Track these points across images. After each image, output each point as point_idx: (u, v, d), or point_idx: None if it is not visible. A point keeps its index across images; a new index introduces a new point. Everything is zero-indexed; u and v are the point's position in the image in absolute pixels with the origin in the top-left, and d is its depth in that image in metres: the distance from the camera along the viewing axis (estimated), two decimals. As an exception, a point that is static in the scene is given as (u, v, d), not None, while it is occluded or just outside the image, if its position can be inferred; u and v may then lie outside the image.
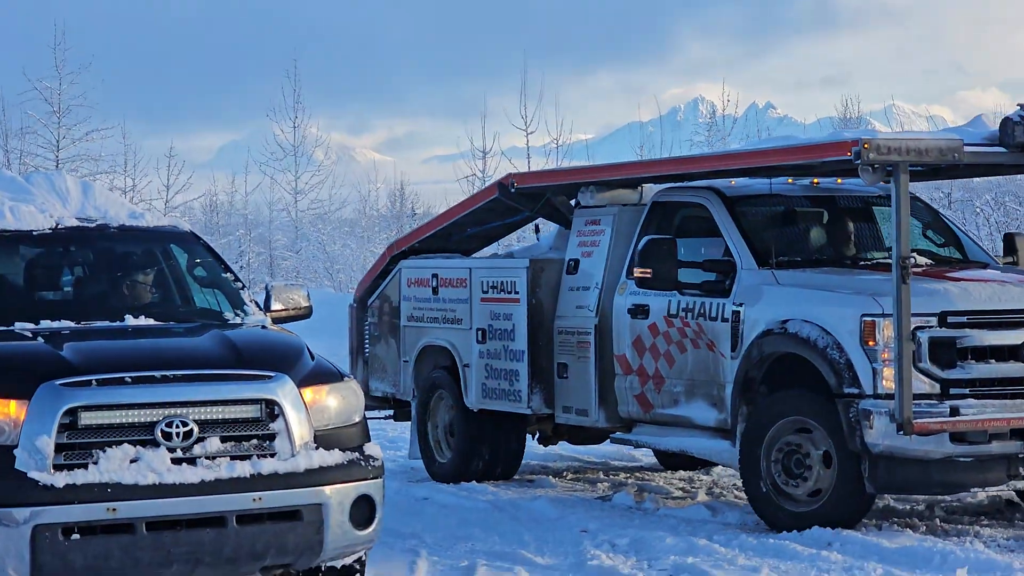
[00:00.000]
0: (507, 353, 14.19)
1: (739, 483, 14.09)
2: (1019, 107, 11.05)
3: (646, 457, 15.88)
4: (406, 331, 15.49)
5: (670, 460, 15.35)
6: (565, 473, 15.28)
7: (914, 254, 12.65)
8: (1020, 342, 11.25)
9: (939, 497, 12.81)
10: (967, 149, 10.97)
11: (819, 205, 13.16)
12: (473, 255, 16.15)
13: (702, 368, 12.43)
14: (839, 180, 13.39)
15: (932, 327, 11.09)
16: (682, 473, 15.24)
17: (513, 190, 14.35)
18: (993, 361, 11.21)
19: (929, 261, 12.65)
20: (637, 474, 15.23)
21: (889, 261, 12.42)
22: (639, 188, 13.86)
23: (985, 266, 12.83)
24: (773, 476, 11.66)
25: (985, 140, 11.19)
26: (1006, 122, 11.08)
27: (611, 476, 15.07)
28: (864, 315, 11.18)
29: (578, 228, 14.01)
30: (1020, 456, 11.11)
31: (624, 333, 13.19)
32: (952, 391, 11.07)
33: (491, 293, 14.43)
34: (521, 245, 18.66)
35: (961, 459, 11.03)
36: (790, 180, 13.17)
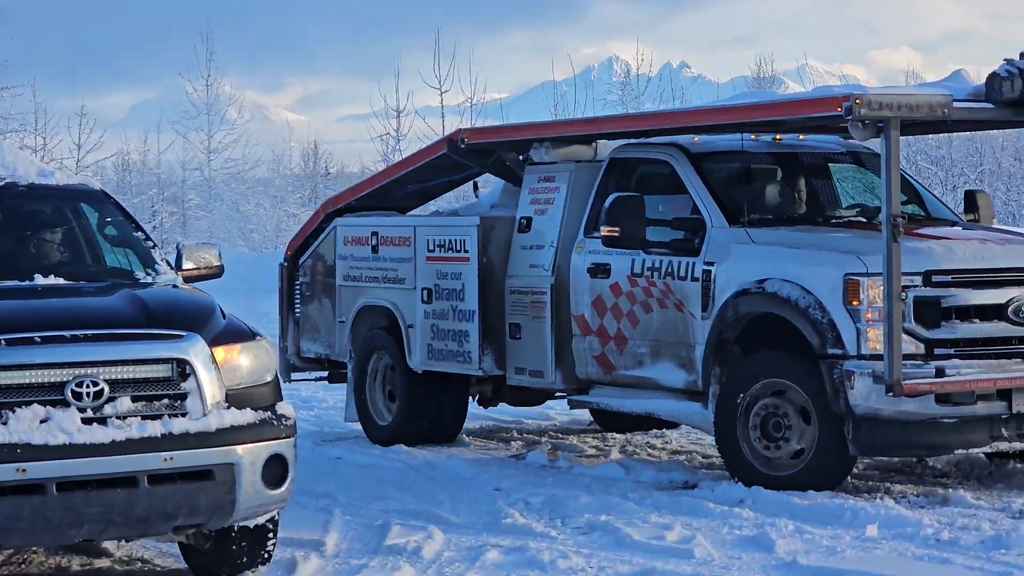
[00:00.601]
0: (456, 313, 13.50)
1: (653, 441, 14.09)
2: (1005, 62, 10.57)
3: (560, 416, 15.48)
4: (342, 291, 14.79)
5: (609, 421, 14.75)
6: (479, 432, 14.84)
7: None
8: (1004, 301, 10.78)
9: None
10: (956, 105, 10.46)
11: (783, 162, 12.62)
12: (408, 213, 15.45)
13: (670, 329, 11.82)
14: (800, 136, 12.85)
15: (917, 286, 10.60)
16: (597, 431, 14.86)
17: (463, 146, 13.65)
18: (977, 321, 10.75)
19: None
20: (551, 433, 14.81)
21: (860, 219, 11.91)
22: (594, 145, 13.22)
23: (953, 224, 12.35)
24: (751, 440, 11.13)
25: (970, 96, 10.70)
26: (993, 77, 10.58)
27: (525, 436, 14.62)
28: (847, 274, 10.66)
29: (530, 185, 13.33)
30: (1003, 417, 10.68)
31: (583, 293, 12.55)
32: (936, 351, 10.62)
33: (438, 252, 13.74)
34: (462, 203, 17.81)
35: (945, 420, 10.57)
36: (753, 137, 12.56)
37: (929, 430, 10.56)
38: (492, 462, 13.02)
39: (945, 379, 10.33)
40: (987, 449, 10.87)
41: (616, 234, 11.74)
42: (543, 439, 14.36)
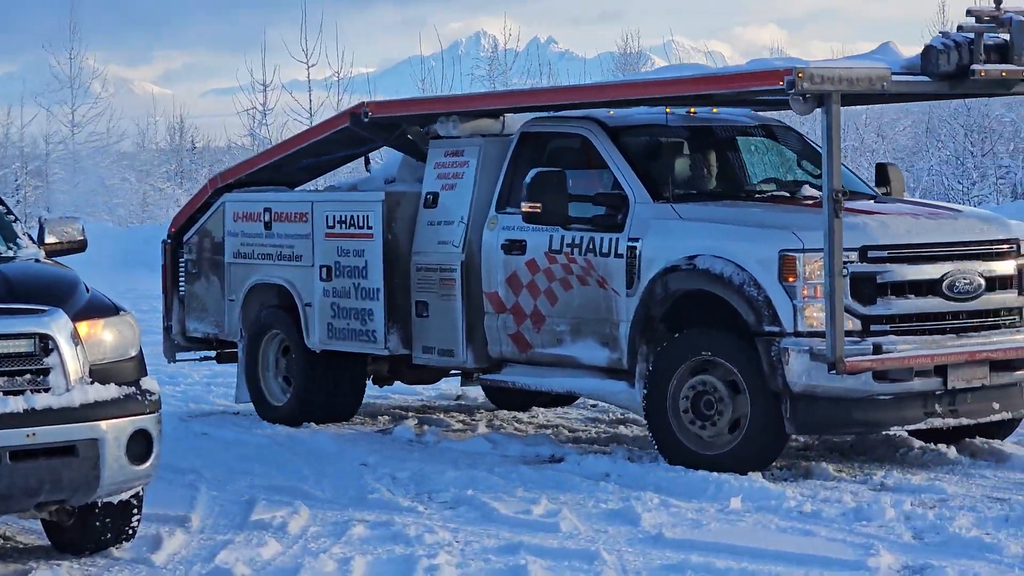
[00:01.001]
0: (358, 291, 12.92)
1: (520, 415, 13.83)
2: (940, 35, 10.11)
3: (427, 391, 15.13)
4: (232, 268, 14.16)
5: (502, 399, 14.30)
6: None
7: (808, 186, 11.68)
8: (939, 276, 10.48)
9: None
10: (894, 78, 10.10)
11: (700, 136, 12.23)
12: (297, 189, 14.84)
13: (591, 306, 11.38)
14: (714, 110, 12.43)
15: (853, 262, 10.27)
16: (464, 406, 14.59)
17: (367, 119, 13.00)
18: (912, 296, 10.45)
19: (818, 193, 11.57)
20: (418, 408, 14.50)
21: (784, 193, 11.54)
22: (501, 118, 12.71)
23: (872, 198, 12.02)
24: (682, 419, 10.75)
25: (904, 68, 10.35)
26: (929, 50, 10.23)
27: (392, 411, 14.31)
28: (783, 250, 10.31)
29: (436, 160, 12.78)
30: (937, 393, 10.42)
31: (496, 270, 12.06)
32: (873, 328, 10.31)
33: (338, 228, 13.15)
34: (349, 179, 17.11)
35: (881, 397, 10.28)
36: (668, 111, 12.11)
37: (866, 407, 10.26)
38: (359, 437, 12.76)
39: (886, 356, 10.04)
40: (922, 426, 10.52)
41: (538, 210, 11.25)
42: (410, 414, 14.02)
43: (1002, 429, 11.41)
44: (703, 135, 12.08)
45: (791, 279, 10.11)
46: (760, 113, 12.66)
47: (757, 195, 11.61)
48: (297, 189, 14.75)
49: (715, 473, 10.29)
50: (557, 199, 11.17)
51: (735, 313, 10.42)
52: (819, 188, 11.68)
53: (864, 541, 8.63)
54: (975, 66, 9.94)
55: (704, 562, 8.29)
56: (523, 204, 11.33)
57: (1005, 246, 10.72)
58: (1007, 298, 10.65)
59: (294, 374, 13.54)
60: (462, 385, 14.21)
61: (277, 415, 13.59)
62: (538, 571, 8.24)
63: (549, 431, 12.93)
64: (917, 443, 11.39)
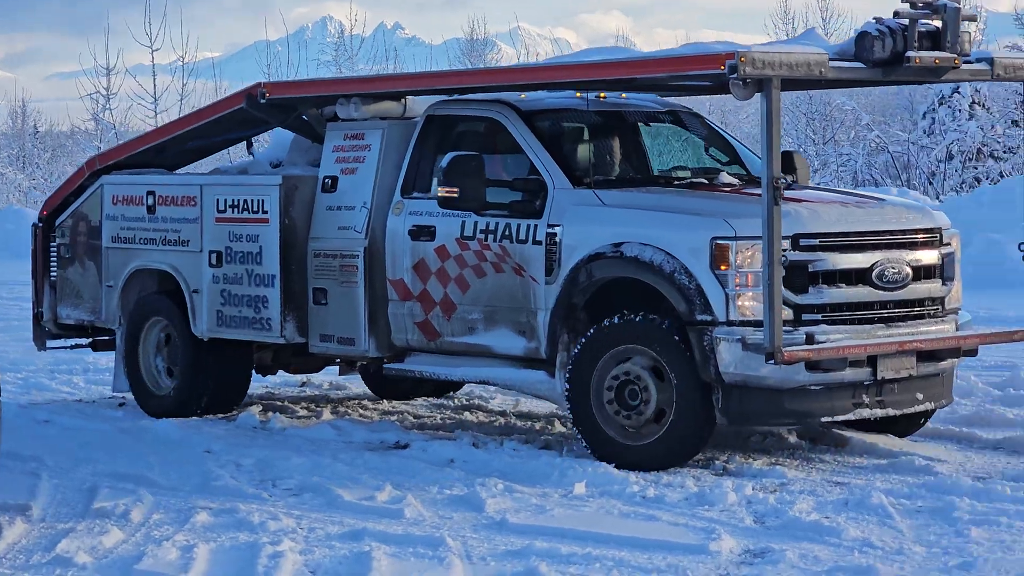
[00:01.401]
0: (252, 278, 12.43)
1: (365, 402, 13.62)
2: (874, 20, 9.81)
3: (272, 378, 14.53)
4: (110, 253, 13.54)
5: (384, 388, 13.89)
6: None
7: (726, 173, 11.41)
8: (868, 265, 10.26)
9: (560, 412, 12.37)
10: (831, 64, 9.81)
11: (613, 122, 11.88)
12: (178, 171, 14.23)
13: (507, 294, 11.00)
14: (623, 95, 12.08)
15: (786, 250, 9.96)
16: (309, 392, 14.33)
17: (263, 100, 12.43)
18: (843, 285, 10.19)
19: (736, 181, 11.55)
20: (262, 396, 14.15)
21: (702, 180, 11.31)
22: (403, 101, 12.21)
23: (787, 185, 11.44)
24: (607, 408, 10.41)
25: (837, 55, 10.05)
26: (863, 36, 9.96)
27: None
28: (715, 238, 10.01)
29: (335, 143, 12.29)
30: (865, 384, 10.19)
31: (403, 256, 11.62)
32: (804, 317, 10.04)
33: (230, 213, 12.62)
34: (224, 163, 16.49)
35: (812, 388, 10.04)
36: (579, 95, 11.70)
37: (797, 398, 10.02)
38: (202, 424, 12.51)
39: (822, 345, 9.78)
40: (850, 416, 10.29)
41: (455, 195, 10.83)
42: (254, 401, 13.64)
43: (912, 424, 11.20)
44: (615, 120, 11.75)
45: (723, 267, 9.82)
46: (666, 99, 12.33)
47: (675, 182, 11.30)
48: (177, 172, 14.13)
49: (559, 459, 10.22)
50: (475, 184, 10.76)
51: (663, 301, 10.12)
52: (732, 175, 11.50)
53: (706, 525, 8.65)
54: (909, 53, 9.70)
55: (548, 547, 8.26)
56: (439, 189, 10.90)
57: (930, 235, 10.55)
58: (932, 288, 10.48)
59: (178, 363, 12.98)
60: (340, 375, 13.77)
61: (159, 405, 13.04)
62: (382, 557, 8.16)
63: (394, 418, 12.76)
64: (759, 428, 11.41)
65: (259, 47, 44.43)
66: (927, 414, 11.09)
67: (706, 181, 11.29)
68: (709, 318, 9.83)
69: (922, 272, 10.39)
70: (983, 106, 38.16)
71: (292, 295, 12.14)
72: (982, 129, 37.24)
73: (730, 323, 9.80)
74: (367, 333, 11.71)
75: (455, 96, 11.86)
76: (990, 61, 10.16)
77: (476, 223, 11.02)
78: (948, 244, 10.64)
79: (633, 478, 9.71)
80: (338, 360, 13.03)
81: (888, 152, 37.64)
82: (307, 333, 12.15)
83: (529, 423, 12.33)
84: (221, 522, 9.00)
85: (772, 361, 9.43)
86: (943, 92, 36.64)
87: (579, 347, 10.44)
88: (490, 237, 10.94)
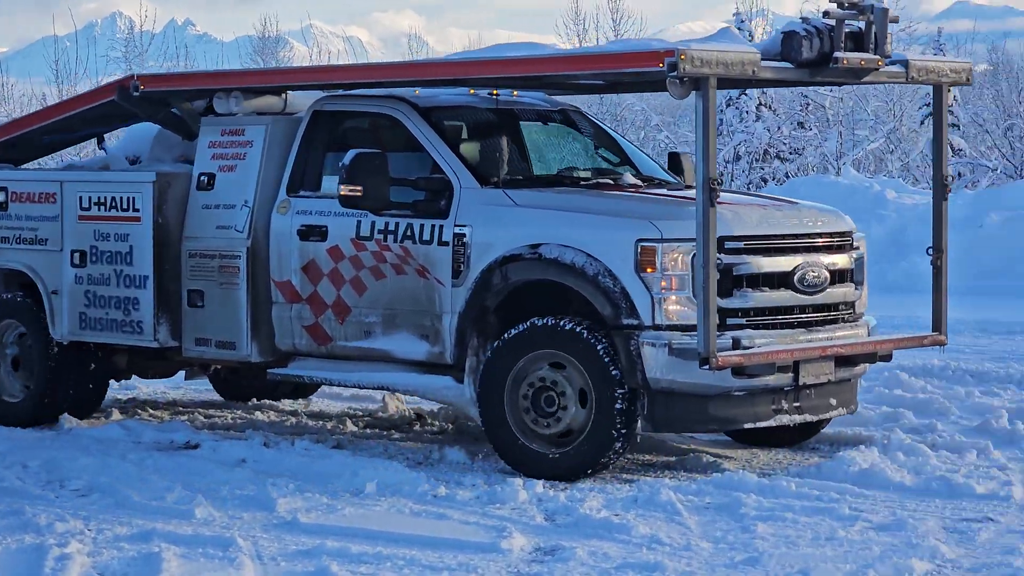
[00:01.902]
0: (121, 279, 11.78)
1: (156, 400, 13.29)
2: (801, 20, 9.50)
3: None
4: None
5: (231, 391, 13.42)
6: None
7: (631, 174, 11.09)
8: (790, 269, 9.99)
9: (353, 410, 12.51)
10: (762, 64, 9.51)
11: (510, 120, 11.43)
12: (22, 167, 13.45)
13: (409, 296, 10.52)
14: (515, 93, 11.69)
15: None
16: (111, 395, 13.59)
17: (137, 93, 11.73)
18: (767, 289, 9.91)
19: (640, 181, 11.21)
20: None
21: (608, 180, 10.96)
22: (283, 96, 11.64)
23: (670, 185, 11.42)
24: (522, 415, 9.99)
25: (761, 54, 9.68)
26: (791, 36, 9.65)
27: None
28: (640, 240, 9.63)
29: (211, 139, 11.67)
30: (785, 389, 9.91)
31: (290, 257, 11.05)
32: (729, 321, 9.73)
33: (96, 211, 11.92)
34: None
35: (736, 393, 9.75)
36: (472, 92, 11.23)
37: (722, 404, 9.72)
38: None
39: (753, 350, 9.49)
40: (771, 423, 10.00)
41: (358, 194, 10.27)
42: None
43: (812, 430, 10.95)
44: (511, 119, 11.31)
45: (649, 270, 9.46)
46: (554, 97, 11.95)
47: (581, 182, 10.91)
48: (24, 167, 13.34)
49: (351, 458, 10.14)
50: (379, 182, 10.24)
51: (580, 305, 9.75)
52: (623, 175, 11.16)
53: (497, 523, 8.63)
54: (837, 54, 9.44)
55: (339, 547, 8.18)
56: (341, 187, 10.33)
57: (843, 238, 10.35)
58: (847, 291, 10.27)
59: (35, 367, 12.23)
60: (187, 379, 13.07)
61: (12, 412, 12.26)
62: (172, 558, 8.00)
63: (184, 417, 12.48)
64: None
65: (47, 43, 42.86)
66: (826, 419, 10.89)
67: (611, 182, 10.95)
68: (635, 322, 9.47)
69: (838, 276, 10.18)
70: (769, 108, 38.66)
71: (165, 297, 11.49)
72: (768, 130, 37.71)
73: (656, 327, 9.45)
74: (249, 337, 11.11)
75: (340, 92, 11.32)
76: (905, 64, 9.98)
77: (374, 223, 10.51)
78: (858, 248, 10.46)
79: (423, 477, 9.62)
80: (196, 366, 12.44)
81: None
82: (180, 336, 11.53)
83: (320, 423, 12.16)
84: (6, 524, 8.78)
85: (706, 366, 9.10)
86: (730, 94, 36.97)
87: (491, 352, 10.01)
88: (390, 238, 10.44)
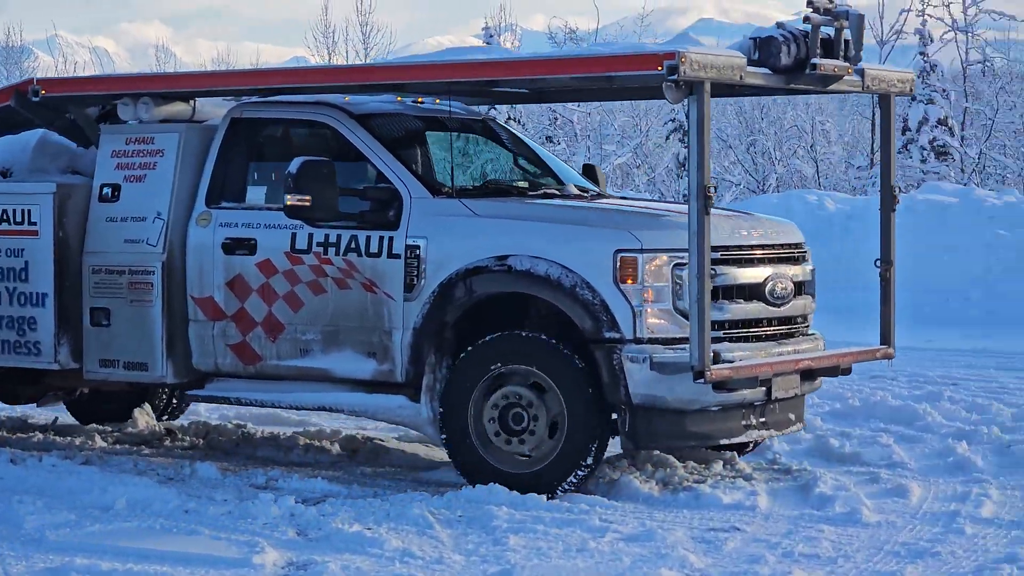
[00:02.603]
0: (15, 297, 10.94)
1: None
2: (776, 26, 9.23)
3: None
4: None
5: (89, 414, 12.65)
6: None
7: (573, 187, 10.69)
8: (761, 280, 9.70)
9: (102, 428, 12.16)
10: (747, 69, 9.19)
11: (441, 128, 10.93)
12: None
13: (354, 312, 9.92)
14: (436, 100, 11.17)
15: (685, 264, 9.16)
16: None
17: (37, 98, 10.92)
18: (741, 301, 9.62)
19: (582, 192, 10.83)
20: None
21: (554, 191, 10.54)
22: (192, 103, 10.92)
23: (597, 195, 11.02)
24: (488, 434, 9.51)
25: None
26: (770, 41, 9.32)
27: None
28: (619, 251, 9.23)
29: (114, 148, 10.87)
30: (756, 405, 9.64)
31: (213, 272, 10.38)
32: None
33: None
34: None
35: (712, 409, 9.42)
36: (399, 99, 10.76)
37: (699, 419, 9.38)
38: None
39: (739, 363, 9.13)
40: (742, 439, 9.71)
41: (307, 203, 9.62)
42: None
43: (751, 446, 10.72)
44: (440, 127, 10.81)
45: (630, 282, 9.06)
46: (468, 106, 11.47)
47: (529, 191, 10.45)
48: None
49: (99, 473, 9.91)
50: (329, 192, 9.62)
51: (549, 319, 9.33)
52: (567, 185, 10.80)
53: (249, 539, 8.45)
54: (814, 60, 9.20)
55: (88, 564, 7.94)
56: (287, 197, 9.67)
57: (801, 250, 10.12)
58: (806, 304, 10.03)
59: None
60: (39, 406, 12.29)
61: None
62: None
63: None
64: (302, 440, 11.40)
65: None
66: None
67: (558, 192, 10.53)
68: (617, 336, 9.06)
69: (798, 288, 9.93)
70: (518, 122, 38.67)
71: (66, 316, 10.67)
72: (519, 145, 37.70)
73: (638, 341, 9.06)
74: (164, 357, 10.37)
75: (256, 99, 10.64)
76: (860, 73, 9.80)
77: (311, 235, 9.89)
78: (809, 260, 10.24)
79: (174, 493, 9.39)
80: (56, 391, 11.67)
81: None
82: (81, 358, 10.70)
83: (69, 439, 11.84)
84: None
85: (700, 380, 8.73)
86: (483, 108, 36.85)
87: (453, 368, 9.51)
88: (331, 250, 9.83)
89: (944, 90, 36.01)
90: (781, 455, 10.66)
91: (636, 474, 9.84)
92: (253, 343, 10.14)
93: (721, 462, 10.23)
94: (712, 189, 8.71)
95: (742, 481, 9.86)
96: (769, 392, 9.46)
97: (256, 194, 10.27)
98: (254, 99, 10.62)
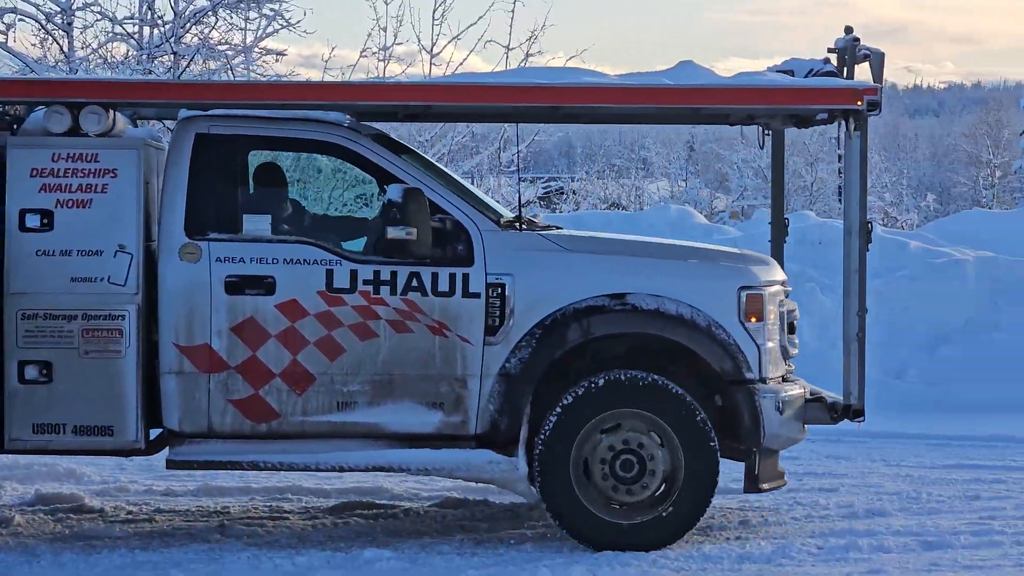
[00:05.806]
0: None
1: None
2: (823, 61, 9.04)
3: None
4: None
5: None
6: None
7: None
8: (793, 316, 9.24)
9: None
10: None
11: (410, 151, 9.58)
12: None
13: (415, 359, 8.54)
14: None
15: (784, 299, 8.92)
16: None
17: None
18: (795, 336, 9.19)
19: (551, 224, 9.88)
20: None
21: (535, 221, 9.70)
22: (110, 114, 8.88)
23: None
24: (599, 485, 8.50)
25: None
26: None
27: None
28: (743, 287, 8.66)
29: (35, 165, 8.70)
30: None
31: (211, 315, 8.58)
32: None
33: None
34: None
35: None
36: (348, 116, 9.24)
37: (777, 458, 8.95)
38: None
39: (834, 399, 8.87)
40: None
41: (413, 238, 8.17)
42: None
43: None
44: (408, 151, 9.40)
45: (754, 319, 8.48)
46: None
47: (519, 222, 9.02)
48: None
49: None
50: (426, 225, 8.20)
51: (658, 359, 8.54)
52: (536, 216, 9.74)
53: None
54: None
55: None
56: (390, 230, 8.18)
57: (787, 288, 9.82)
58: (795, 339, 9.69)
59: None
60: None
61: None
62: None
63: None
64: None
65: None
66: None
67: (536, 221, 9.42)
68: (752, 376, 8.46)
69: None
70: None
71: None
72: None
73: (763, 380, 8.52)
74: (138, 419, 8.35)
75: (224, 112, 8.76)
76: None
77: (355, 272, 8.43)
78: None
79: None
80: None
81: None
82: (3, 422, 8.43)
83: None
84: None
85: (860, 420, 8.31)
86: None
87: (555, 416, 8.41)
88: (384, 289, 8.39)
89: None
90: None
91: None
92: (268, 397, 8.48)
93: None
94: (871, 224, 8.39)
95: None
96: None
97: (256, 224, 8.54)
98: (217, 112, 8.77)
